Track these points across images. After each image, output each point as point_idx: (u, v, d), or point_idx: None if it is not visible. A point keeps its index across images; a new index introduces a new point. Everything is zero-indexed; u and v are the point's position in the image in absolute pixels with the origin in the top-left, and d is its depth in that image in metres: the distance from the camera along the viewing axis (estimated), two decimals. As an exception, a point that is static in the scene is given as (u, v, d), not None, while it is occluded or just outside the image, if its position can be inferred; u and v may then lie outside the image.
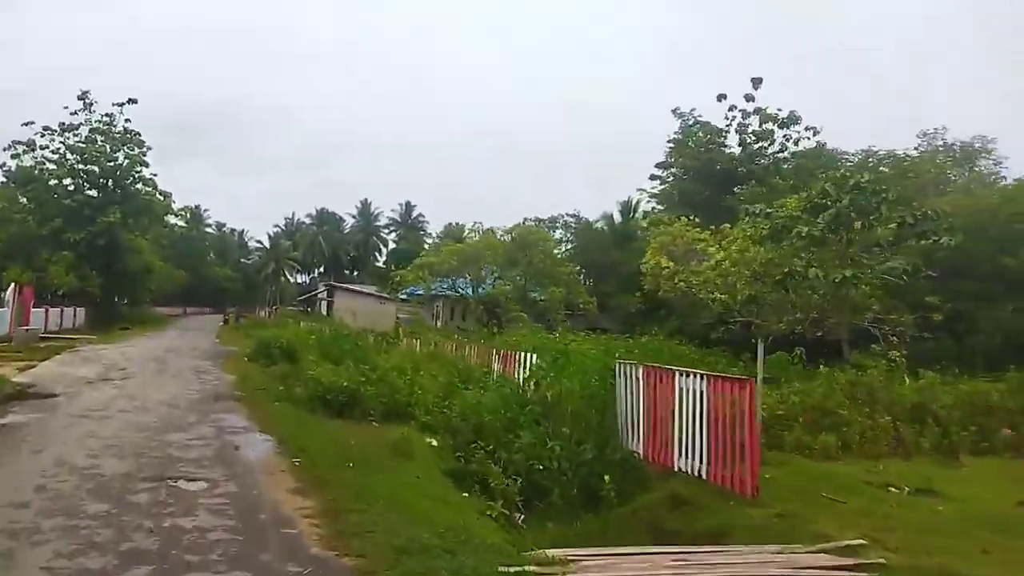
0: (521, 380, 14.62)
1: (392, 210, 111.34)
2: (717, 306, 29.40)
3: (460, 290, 51.20)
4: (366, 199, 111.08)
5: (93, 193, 51.05)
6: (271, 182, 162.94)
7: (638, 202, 69.96)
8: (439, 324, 65.46)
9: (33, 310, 38.01)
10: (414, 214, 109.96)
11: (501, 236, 51.90)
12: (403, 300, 65.29)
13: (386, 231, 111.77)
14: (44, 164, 48.75)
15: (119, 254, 50.99)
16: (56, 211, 48.05)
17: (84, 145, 49.27)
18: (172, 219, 61.51)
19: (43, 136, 48.84)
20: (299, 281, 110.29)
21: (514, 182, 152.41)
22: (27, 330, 29.49)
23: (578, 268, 49.58)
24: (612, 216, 69.09)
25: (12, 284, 34.39)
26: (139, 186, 51.96)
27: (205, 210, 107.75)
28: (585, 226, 60.51)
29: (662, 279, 30.67)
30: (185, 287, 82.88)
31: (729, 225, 30.46)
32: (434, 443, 11.81)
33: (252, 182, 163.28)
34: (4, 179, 49.40)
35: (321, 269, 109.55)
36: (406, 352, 19.07)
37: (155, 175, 52.41)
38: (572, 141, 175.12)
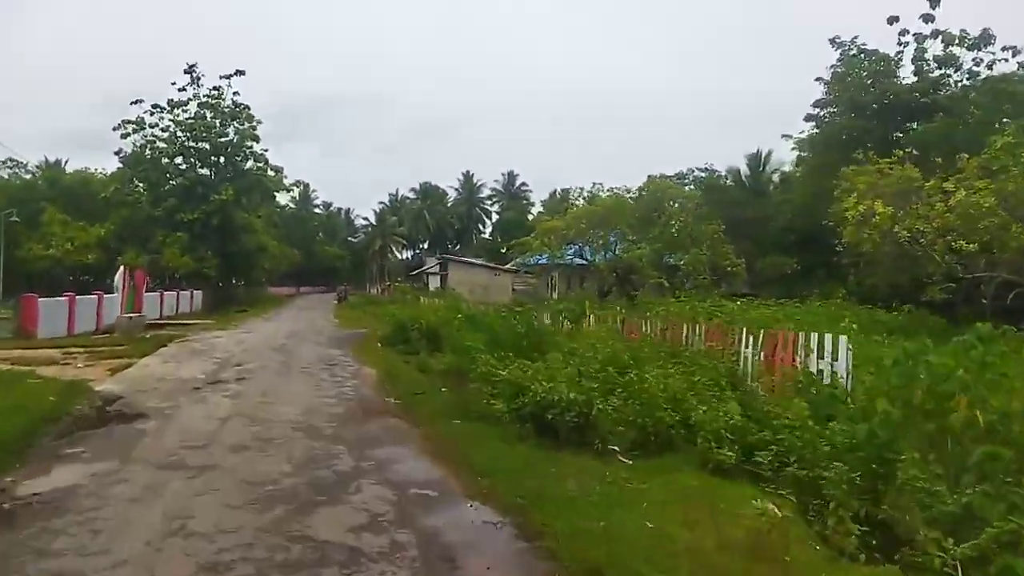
0: (847, 383, 8.72)
1: (495, 181, 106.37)
2: (949, 258, 22.59)
3: (588, 257, 45.27)
4: (468, 171, 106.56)
5: (205, 171, 48.09)
6: (373, 164, 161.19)
7: (769, 153, 62.39)
8: (554, 295, 60.16)
9: (147, 295, 34.90)
10: (517, 183, 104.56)
11: (629, 196, 45.49)
12: (516, 271, 60.18)
13: (489, 202, 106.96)
14: (155, 143, 45.79)
15: (233, 233, 47.84)
16: (169, 191, 45.17)
17: (193, 121, 46.02)
18: (284, 196, 58.66)
19: (152, 114, 45.86)
20: (404, 257, 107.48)
21: (618, 144, 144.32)
22: (131, 317, 25.62)
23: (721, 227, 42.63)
24: (738, 170, 61.60)
25: (122, 268, 30.97)
26: (250, 163, 48.55)
27: (313, 190, 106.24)
28: (717, 180, 53.27)
29: (870, 229, 23.79)
30: (297, 266, 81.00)
31: (966, 157, 23.25)
32: (777, 512, 6.07)
33: (354, 165, 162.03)
34: (120, 164, 46.76)
35: (425, 244, 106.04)
36: (601, 334, 13.52)
37: (266, 150, 48.88)
38: (680, 98, 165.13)
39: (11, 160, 48.20)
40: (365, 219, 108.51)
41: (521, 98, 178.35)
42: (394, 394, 12.08)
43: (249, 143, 48.07)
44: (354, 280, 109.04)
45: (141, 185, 46.16)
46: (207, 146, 47.21)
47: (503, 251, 58.40)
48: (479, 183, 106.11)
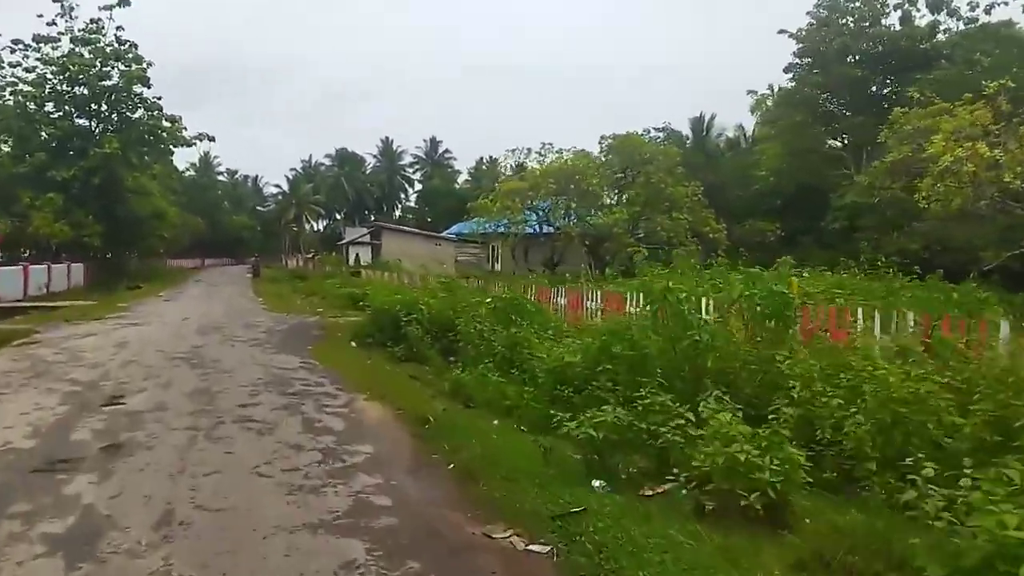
0: None
1: (416, 147, 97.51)
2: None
3: (552, 222, 38.56)
4: (387, 137, 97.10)
5: (84, 122, 37.98)
6: (282, 131, 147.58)
7: (712, 118, 57.54)
8: (497, 267, 53.37)
9: (5, 269, 25.63)
10: (440, 150, 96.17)
11: (596, 155, 39.07)
12: (454, 240, 52.83)
13: (411, 170, 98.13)
14: (17, 86, 35.30)
15: (120, 195, 38.15)
16: (37, 144, 35.00)
17: (66, 60, 35.75)
18: (183, 158, 48.42)
19: (13, 52, 35.31)
20: (318, 227, 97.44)
21: (540, 114, 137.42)
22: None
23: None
24: (681, 134, 56.49)
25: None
26: (140, 112, 38.65)
27: (215, 157, 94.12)
28: (678, 140, 47.64)
29: (953, 180, 18.33)
30: (200, 237, 70.16)
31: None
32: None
33: (261, 132, 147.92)
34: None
35: (342, 213, 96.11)
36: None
37: (159, 98, 39.05)
38: (599, 67, 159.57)
39: None
40: (277, 186, 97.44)
41: (438, 61, 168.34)
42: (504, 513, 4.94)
43: (138, 88, 38.19)
44: (265, 252, 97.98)
45: (2, 136, 35.68)
46: (85, 91, 37.07)
47: (466, 216, 50.79)
48: (399, 150, 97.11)
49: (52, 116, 36.53)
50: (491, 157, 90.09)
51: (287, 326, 16.20)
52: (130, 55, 37.78)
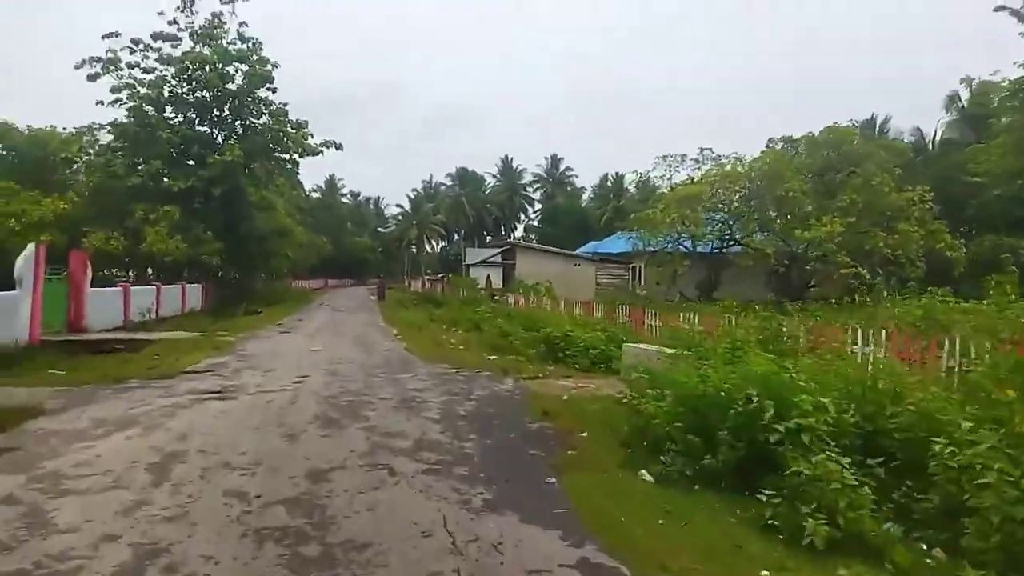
0: None
1: (537, 165, 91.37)
2: None
3: (740, 236, 30.23)
4: (507, 156, 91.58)
5: (205, 129, 33.50)
6: (401, 153, 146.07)
7: (887, 120, 47.65)
8: (641, 290, 45.29)
9: (99, 291, 20.32)
10: (561, 168, 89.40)
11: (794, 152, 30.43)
12: (594, 260, 45.22)
13: (531, 189, 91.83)
14: (135, 88, 31.05)
15: (244, 209, 33.25)
16: (153, 151, 30.53)
17: (186, 59, 31.26)
18: (309, 173, 43.54)
19: (133, 52, 31.13)
20: (436, 249, 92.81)
21: (659, 130, 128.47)
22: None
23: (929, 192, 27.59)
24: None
25: (31, 249, 16.48)
26: (264, 119, 33.81)
27: (339, 179, 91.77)
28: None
29: None
30: (325, 258, 66.24)
31: None
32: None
33: (381, 155, 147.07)
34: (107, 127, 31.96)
35: (460, 233, 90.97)
36: None
37: (286, 104, 34.06)
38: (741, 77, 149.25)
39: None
40: (399, 206, 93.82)
41: (554, 81, 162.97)
42: None
43: (262, 92, 33.34)
44: (386, 274, 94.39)
45: (116, 143, 31.52)
46: (206, 94, 32.56)
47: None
48: (519, 168, 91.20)
49: (170, 120, 32.11)
50: (617, 174, 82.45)
51: (472, 403, 8.72)
52: (254, 56, 33.01)
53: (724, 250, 34.95)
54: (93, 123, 31.86)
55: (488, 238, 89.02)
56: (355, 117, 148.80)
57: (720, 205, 29.60)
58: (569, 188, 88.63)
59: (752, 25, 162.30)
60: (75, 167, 32.08)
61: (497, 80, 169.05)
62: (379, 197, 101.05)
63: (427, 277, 51.79)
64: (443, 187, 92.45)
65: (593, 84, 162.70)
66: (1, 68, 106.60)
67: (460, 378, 10.67)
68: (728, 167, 31.73)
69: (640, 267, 46.84)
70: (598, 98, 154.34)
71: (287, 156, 34.85)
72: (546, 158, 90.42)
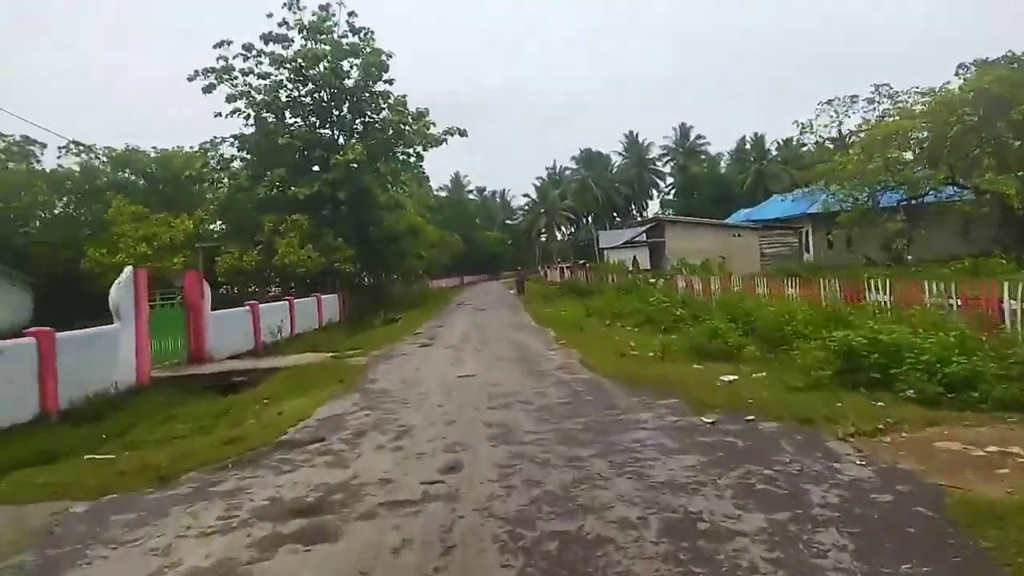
0: None
1: (664, 137, 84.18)
2: None
3: (962, 180, 23.22)
4: (632, 131, 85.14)
5: (326, 131, 31.00)
6: (523, 146, 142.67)
7: None
8: (808, 257, 38.19)
9: (223, 314, 17.67)
10: (692, 137, 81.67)
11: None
12: (754, 228, 38.66)
13: (660, 163, 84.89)
14: (251, 95, 28.94)
15: (372, 212, 30.52)
16: (274, 159, 28.29)
17: (299, 58, 28.73)
18: (435, 172, 40.17)
19: (246, 59, 29.01)
20: (567, 236, 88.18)
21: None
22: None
23: None
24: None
25: (127, 272, 13.57)
26: (384, 113, 30.77)
27: (464, 176, 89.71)
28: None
29: None
30: (457, 255, 63.53)
31: None
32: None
33: (504, 149, 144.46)
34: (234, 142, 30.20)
35: (588, 217, 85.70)
36: None
37: (404, 96, 30.86)
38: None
39: (75, 144, 32.73)
40: (526, 196, 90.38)
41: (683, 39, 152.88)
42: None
43: (378, 83, 30.26)
44: (520, 265, 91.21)
45: (240, 155, 29.67)
46: (323, 95, 29.97)
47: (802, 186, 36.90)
48: (646, 143, 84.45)
49: (290, 126, 29.77)
50: (756, 134, 73.82)
51: (848, 542, 3.81)
52: (367, 49, 29.97)
53: (916, 199, 27.84)
54: (215, 137, 30.22)
55: (617, 220, 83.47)
56: (474, 117, 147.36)
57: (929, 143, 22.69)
58: (703, 157, 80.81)
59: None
60: (202, 185, 30.69)
61: (616, 62, 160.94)
62: (505, 190, 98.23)
63: (563, 265, 47.29)
64: (568, 172, 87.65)
65: (716, 45, 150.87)
66: (132, 104, 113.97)
67: (728, 439, 5.90)
68: (920, 103, 24.48)
69: (806, 231, 39.66)
70: (724, 58, 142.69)
71: (411, 151, 31.63)
72: (674, 128, 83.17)
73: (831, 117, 35.56)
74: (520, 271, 43.56)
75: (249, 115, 28.71)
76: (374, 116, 30.94)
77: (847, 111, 34.97)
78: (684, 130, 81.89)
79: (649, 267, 37.63)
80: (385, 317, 26.00)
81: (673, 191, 79.74)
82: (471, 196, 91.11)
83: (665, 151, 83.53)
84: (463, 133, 30.76)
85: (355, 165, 27.97)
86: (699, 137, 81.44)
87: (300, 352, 16.91)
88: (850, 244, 38.43)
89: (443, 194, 77.07)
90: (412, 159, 31.78)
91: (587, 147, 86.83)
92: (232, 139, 29.80)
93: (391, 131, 30.41)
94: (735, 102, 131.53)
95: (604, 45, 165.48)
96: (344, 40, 29.83)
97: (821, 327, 9.49)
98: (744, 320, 12.14)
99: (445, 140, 30.57)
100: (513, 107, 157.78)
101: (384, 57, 30.02)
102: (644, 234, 39.41)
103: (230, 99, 28.35)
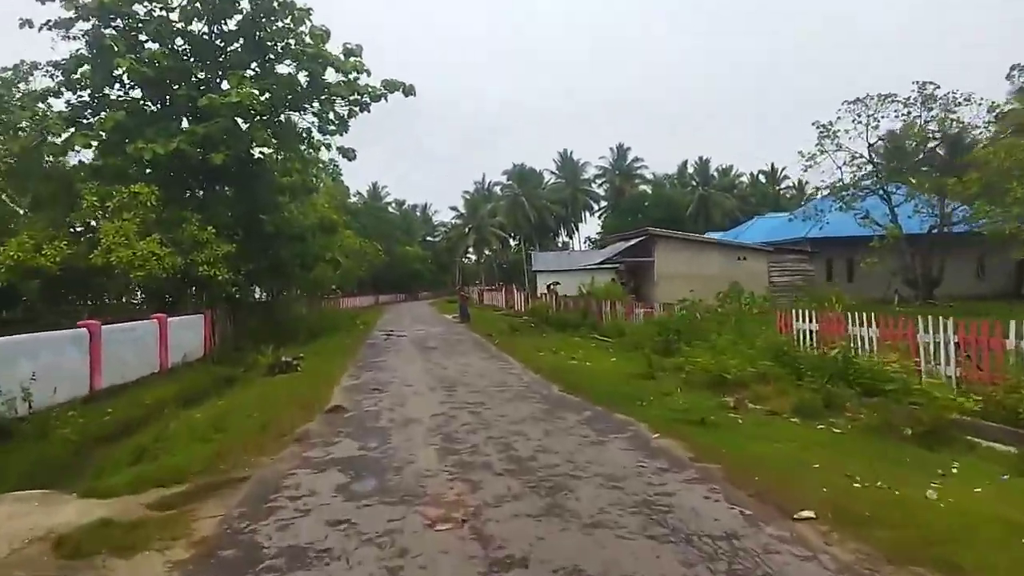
0: None
1: (600, 158, 76.94)
2: None
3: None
4: (566, 149, 77.49)
5: (201, 74, 19.88)
6: (446, 160, 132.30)
7: None
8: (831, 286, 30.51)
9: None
10: (629, 159, 74.85)
11: None
12: (764, 251, 30.49)
13: (596, 184, 77.48)
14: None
15: (263, 191, 19.79)
16: (111, 99, 17.06)
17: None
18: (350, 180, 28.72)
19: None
20: (493, 255, 78.79)
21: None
22: None
23: None
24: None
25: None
26: (290, 41, 19.97)
27: (383, 187, 78.68)
28: None
29: None
30: (374, 270, 51.96)
31: None
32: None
33: (425, 163, 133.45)
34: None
35: (517, 237, 76.56)
36: None
37: (326, 29, 20.18)
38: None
39: None
40: (454, 208, 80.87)
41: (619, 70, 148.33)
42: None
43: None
44: (436, 287, 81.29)
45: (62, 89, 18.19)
46: (207, 29, 19.11)
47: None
48: (581, 162, 76.87)
49: (142, 45, 18.53)
50: (701, 158, 67.94)
51: None
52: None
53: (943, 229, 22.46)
54: (21, 62, 18.53)
55: (557, 241, 75.43)
56: (402, 122, 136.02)
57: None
58: (637, 181, 74.09)
59: None
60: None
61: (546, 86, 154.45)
62: (426, 204, 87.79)
63: (487, 288, 37.36)
64: (498, 187, 78.61)
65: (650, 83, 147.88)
66: None
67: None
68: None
69: (829, 259, 31.63)
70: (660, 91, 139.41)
71: (332, 112, 20.94)
72: (611, 149, 76.16)
73: (854, 120, 28.27)
74: (463, 293, 33.32)
75: (72, 21, 17.32)
76: (279, 52, 20.13)
77: (880, 112, 27.87)
78: (621, 151, 75.07)
79: (633, 291, 28.61)
80: (276, 357, 15.08)
81: (611, 210, 71.87)
82: (390, 209, 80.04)
83: (601, 171, 76.30)
84: (409, 91, 20.45)
85: (242, 121, 17.27)
86: (636, 159, 74.87)
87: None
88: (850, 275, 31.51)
89: (358, 203, 65.71)
90: (334, 124, 20.99)
91: (520, 162, 78.28)
92: (50, 68, 18.30)
93: (303, 73, 19.77)
94: (675, 124, 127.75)
95: (537, 59, 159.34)
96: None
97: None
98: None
99: (384, 96, 20.13)
100: (445, 119, 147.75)
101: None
102: (624, 252, 30.30)
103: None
